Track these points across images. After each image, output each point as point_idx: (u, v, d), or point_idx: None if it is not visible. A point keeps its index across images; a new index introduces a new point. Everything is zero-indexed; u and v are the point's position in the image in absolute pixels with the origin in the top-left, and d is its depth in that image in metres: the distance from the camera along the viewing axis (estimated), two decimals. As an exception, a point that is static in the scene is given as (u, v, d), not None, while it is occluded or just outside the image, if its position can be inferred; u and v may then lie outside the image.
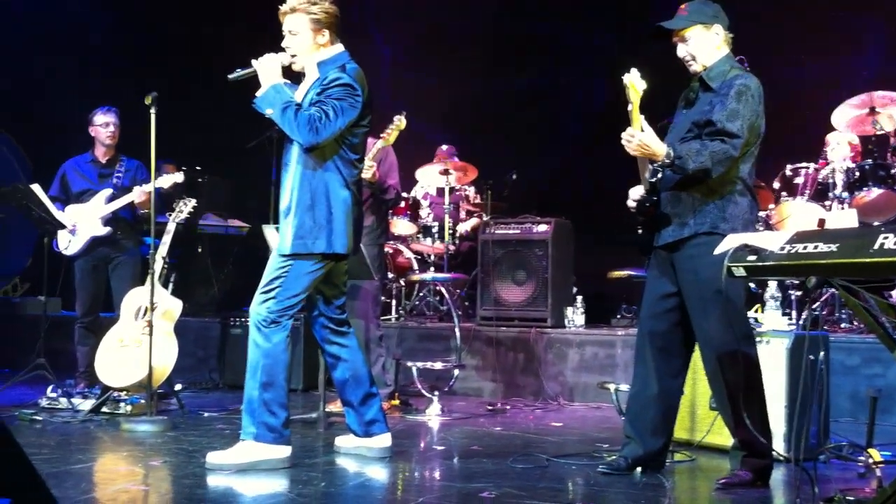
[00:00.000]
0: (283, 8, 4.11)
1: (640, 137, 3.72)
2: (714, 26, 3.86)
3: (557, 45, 8.39)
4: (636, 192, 3.94)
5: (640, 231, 3.97)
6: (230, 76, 4.18)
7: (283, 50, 4.14)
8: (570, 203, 7.63)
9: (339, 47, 4.19)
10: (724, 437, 4.25)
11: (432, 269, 7.79)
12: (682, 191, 3.83)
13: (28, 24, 8.72)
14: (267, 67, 4.08)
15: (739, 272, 3.10)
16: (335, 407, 5.69)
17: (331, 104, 3.99)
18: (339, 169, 4.10)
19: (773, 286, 5.22)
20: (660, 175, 3.85)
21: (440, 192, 8.14)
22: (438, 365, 6.22)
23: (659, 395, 3.91)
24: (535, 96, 8.45)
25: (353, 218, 4.13)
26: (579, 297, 6.91)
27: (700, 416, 4.64)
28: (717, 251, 3.21)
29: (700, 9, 3.88)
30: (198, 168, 8.37)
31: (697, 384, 4.57)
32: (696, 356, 4.05)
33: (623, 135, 3.77)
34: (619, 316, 6.99)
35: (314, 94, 4.07)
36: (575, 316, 6.82)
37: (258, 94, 4.09)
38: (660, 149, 3.73)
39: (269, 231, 4.79)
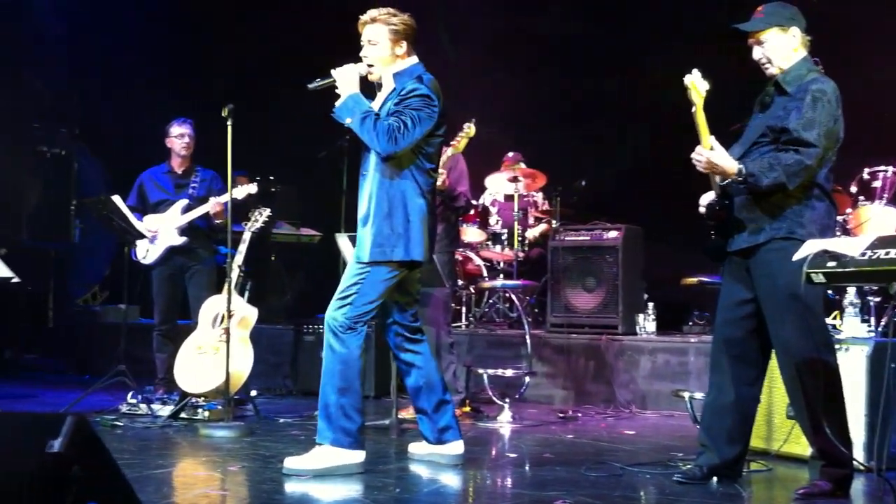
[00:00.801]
0: (364, 18, 4.17)
1: (708, 156, 3.69)
2: (791, 29, 3.80)
3: (625, 50, 8.32)
4: (707, 198, 3.90)
5: (713, 236, 3.93)
6: (310, 86, 4.22)
7: (359, 60, 4.19)
8: (641, 209, 7.55)
9: (415, 59, 4.25)
10: (802, 446, 4.17)
11: (501, 276, 7.80)
12: (756, 195, 3.77)
13: (103, 36, 8.96)
14: (346, 77, 4.13)
15: (819, 279, 3.06)
16: (407, 414, 5.74)
17: (409, 114, 4.04)
18: (415, 178, 4.14)
19: (851, 292, 5.10)
20: (730, 180, 3.80)
21: (509, 198, 8.15)
22: (509, 372, 6.22)
23: (735, 402, 3.86)
24: (604, 100, 8.40)
25: (428, 226, 4.18)
26: (650, 304, 6.85)
27: (777, 425, 4.56)
28: (796, 257, 3.17)
29: (777, 11, 3.82)
30: (271, 178, 8.51)
31: (774, 392, 4.49)
32: (773, 363, 4.00)
33: (693, 154, 3.74)
34: (690, 323, 6.90)
35: (392, 104, 4.12)
36: (646, 323, 6.76)
37: (337, 103, 4.14)
38: (731, 167, 3.68)
39: (341, 239, 4.86)
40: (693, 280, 6.00)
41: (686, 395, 4.88)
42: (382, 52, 4.16)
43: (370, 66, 4.18)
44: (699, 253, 4.18)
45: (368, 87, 4.27)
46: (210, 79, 8.72)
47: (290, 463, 4.03)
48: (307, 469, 3.99)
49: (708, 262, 4.39)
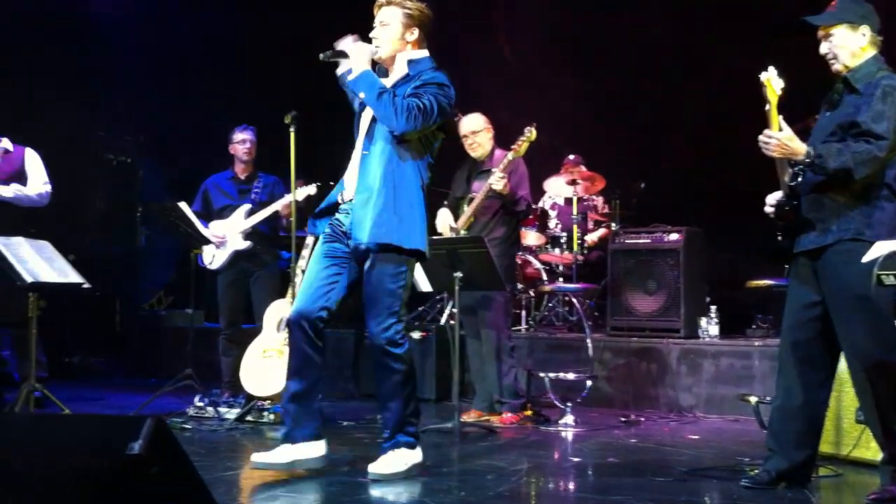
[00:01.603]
0: (380, 0, 4.15)
1: (778, 137, 3.64)
2: (861, 27, 3.73)
3: (684, 51, 8.24)
4: (774, 198, 3.85)
5: (779, 237, 3.88)
6: (321, 56, 4.17)
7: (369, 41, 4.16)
8: (703, 211, 7.47)
9: (426, 52, 4.20)
10: (872, 451, 4.11)
11: (560, 279, 7.78)
12: (823, 195, 3.72)
13: (166, 46, 9.13)
14: (360, 53, 4.09)
15: (890, 280, 3.02)
16: (469, 417, 5.77)
17: (428, 98, 4.00)
18: (419, 169, 4.12)
19: (921, 294, 5.00)
20: (800, 178, 3.75)
21: (568, 202, 8.13)
22: (571, 375, 6.19)
23: (803, 406, 3.80)
24: (665, 102, 8.32)
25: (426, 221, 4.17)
26: (713, 307, 6.78)
27: (846, 429, 4.48)
28: (865, 259, 3.12)
29: (849, 7, 3.75)
30: (332, 183, 8.57)
31: (843, 396, 4.42)
32: (842, 366, 3.94)
33: (760, 137, 3.69)
34: (754, 326, 6.81)
35: (411, 88, 4.05)
36: (709, 326, 6.69)
37: (350, 76, 4.10)
38: (800, 147, 3.64)
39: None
40: (761, 283, 5.90)
41: (753, 399, 4.82)
42: (392, 34, 4.11)
43: (377, 47, 4.12)
44: (765, 255, 4.13)
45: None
46: (272, 85, 8.82)
47: (376, 468, 4.02)
48: (391, 473, 4.01)
49: (773, 264, 4.33)
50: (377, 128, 4.10)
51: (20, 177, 6.30)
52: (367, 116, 4.18)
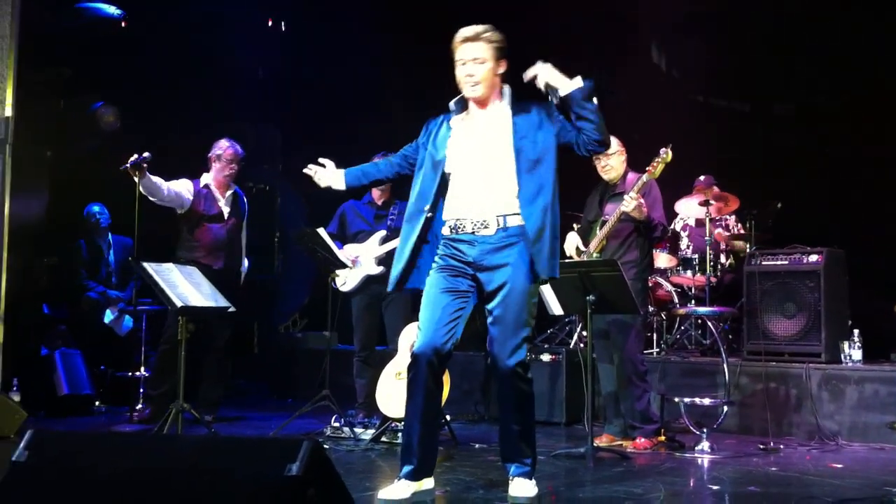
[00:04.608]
0: (468, 33, 4.07)
1: None
2: None
3: (814, 64, 8.01)
4: None
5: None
6: (551, 98, 4.12)
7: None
8: (845, 232, 7.23)
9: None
10: None
11: (692, 301, 7.65)
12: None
13: (300, 75, 9.46)
14: (552, 70, 4.11)
15: None
16: (601, 442, 5.72)
17: None
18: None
19: None
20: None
21: (699, 223, 8.00)
22: (706, 401, 6.07)
23: (959, 437, 3.64)
24: (799, 120, 8.11)
25: None
26: (856, 331, 6.53)
27: None
28: None
29: None
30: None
31: None
32: None
33: None
34: (900, 351, 6.54)
35: (556, 121, 4.08)
36: (852, 351, 6.45)
37: (568, 91, 4.05)
38: None
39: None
40: (910, 306, 5.68)
41: (903, 427, 4.63)
42: (490, 72, 4.07)
43: (477, 83, 4.10)
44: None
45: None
46: (402, 114, 9.01)
47: (521, 491, 4.05)
48: (534, 495, 4.05)
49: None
50: (524, 155, 4.06)
51: (243, 218, 6.88)
52: (479, 138, 4.13)
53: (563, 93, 4.05)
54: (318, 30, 9.63)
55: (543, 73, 4.11)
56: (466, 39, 4.06)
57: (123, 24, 9.07)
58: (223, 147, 6.76)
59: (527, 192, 4.01)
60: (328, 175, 4.54)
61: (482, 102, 4.14)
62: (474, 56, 4.05)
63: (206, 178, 6.78)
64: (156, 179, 6.38)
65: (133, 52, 8.60)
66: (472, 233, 4.07)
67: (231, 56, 9.11)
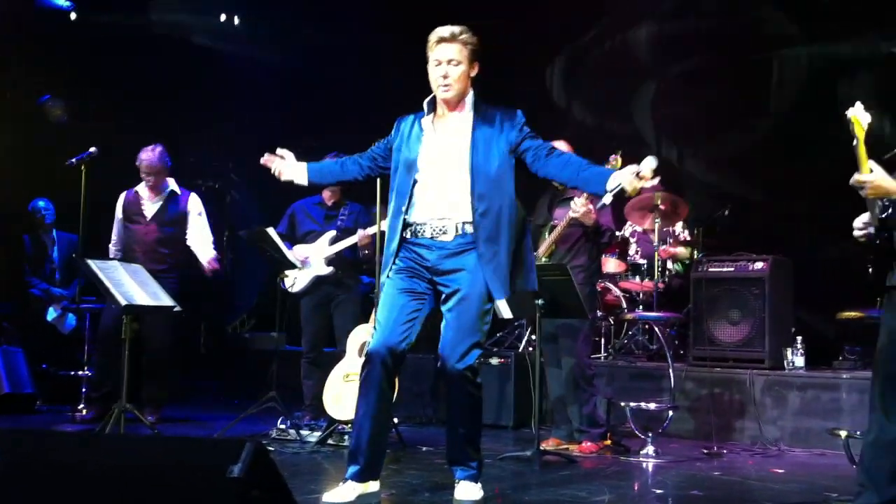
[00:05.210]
0: (444, 34, 4.03)
1: (870, 179, 3.57)
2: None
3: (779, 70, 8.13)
4: (861, 221, 3.77)
5: (870, 270, 3.80)
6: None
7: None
8: (792, 240, 7.34)
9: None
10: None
11: (640, 307, 7.72)
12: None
13: (263, 72, 9.40)
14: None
15: None
16: (548, 445, 5.75)
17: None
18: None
19: None
20: (890, 211, 3.67)
21: (647, 229, 8.07)
22: (652, 405, 6.13)
23: (897, 442, 3.70)
24: (752, 128, 8.22)
25: None
26: (799, 338, 6.64)
27: (940, 467, 4.35)
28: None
29: None
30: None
31: (937, 433, 4.29)
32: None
33: (852, 182, 3.63)
34: (841, 358, 6.66)
35: (516, 133, 4.09)
36: (795, 357, 6.56)
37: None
38: (892, 186, 3.57)
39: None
40: (852, 314, 5.78)
41: (843, 433, 4.71)
42: (464, 74, 4.06)
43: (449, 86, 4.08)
44: (854, 286, 4.06)
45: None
46: (365, 122, 8.98)
47: (466, 494, 4.05)
48: (479, 499, 4.05)
49: (865, 295, 4.25)
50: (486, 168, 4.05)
51: (183, 220, 6.80)
52: (445, 147, 4.11)
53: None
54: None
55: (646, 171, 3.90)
56: (442, 40, 4.03)
57: (73, 16, 8.94)
58: (139, 157, 6.77)
59: (482, 216, 4.01)
60: (289, 168, 4.44)
61: (452, 105, 4.13)
62: (450, 57, 4.02)
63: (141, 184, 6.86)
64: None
65: (84, 46, 8.48)
66: (432, 238, 4.07)
67: (189, 52, 9.05)
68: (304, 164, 4.45)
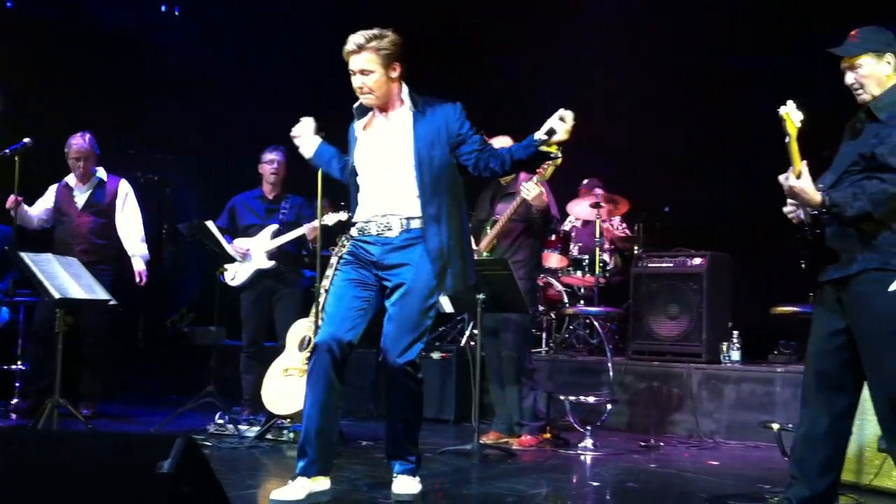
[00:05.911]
0: (350, 46, 4.02)
1: (791, 185, 3.62)
2: (886, 55, 3.72)
3: (713, 71, 8.22)
4: (788, 209, 3.81)
5: (802, 266, 3.86)
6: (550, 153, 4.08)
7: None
8: (731, 236, 7.44)
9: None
10: (893, 479, 4.11)
11: (582, 301, 7.78)
12: (847, 225, 3.70)
13: (203, 66, 9.27)
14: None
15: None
16: (488, 439, 5.77)
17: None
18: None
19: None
20: (822, 210, 3.74)
21: (586, 224, 8.15)
22: (591, 399, 6.19)
23: (827, 434, 3.77)
24: (690, 124, 8.31)
25: None
26: (735, 332, 6.76)
27: (868, 458, 4.47)
28: (892, 288, 3.11)
29: (872, 36, 3.74)
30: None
31: (865, 424, 4.40)
32: (864, 394, 3.91)
33: (780, 177, 3.69)
34: (776, 352, 6.79)
35: (457, 126, 4.10)
36: (731, 351, 6.68)
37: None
38: (814, 198, 3.60)
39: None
40: (786, 309, 5.88)
41: (776, 426, 4.80)
42: (380, 80, 4.05)
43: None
44: (789, 281, 4.12)
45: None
46: (308, 107, 8.92)
47: (401, 488, 4.05)
48: (417, 493, 4.05)
49: (799, 291, 4.32)
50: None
51: (110, 209, 6.66)
52: (391, 147, 4.11)
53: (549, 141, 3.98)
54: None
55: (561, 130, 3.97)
56: (349, 53, 4.03)
57: (9, 5, 8.74)
58: (68, 144, 6.65)
59: (430, 211, 4.03)
60: (307, 136, 4.43)
61: (382, 108, 4.14)
62: (361, 68, 4.01)
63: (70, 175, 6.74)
64: (28, 212, 6.58)
65: (20, 35, 8.30)
66: (378, 234, 4.08)
67: (129, 44, 8.91)
68: (318, 139, 4.45)
